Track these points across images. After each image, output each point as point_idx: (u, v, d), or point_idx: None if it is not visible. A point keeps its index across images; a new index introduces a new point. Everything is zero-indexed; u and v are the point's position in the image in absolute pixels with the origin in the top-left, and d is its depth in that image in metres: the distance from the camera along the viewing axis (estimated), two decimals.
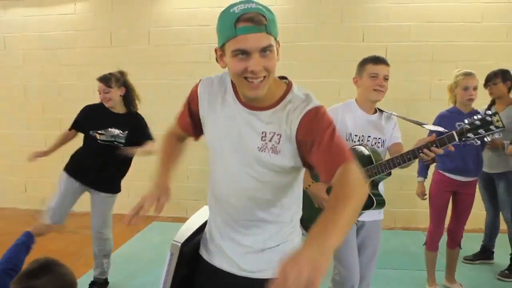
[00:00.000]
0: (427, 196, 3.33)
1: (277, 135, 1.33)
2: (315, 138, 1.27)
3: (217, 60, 1.34)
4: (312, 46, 4.88)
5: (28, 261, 1.45)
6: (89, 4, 5.28)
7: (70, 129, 3.39)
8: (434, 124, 3.06)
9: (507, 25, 4.66)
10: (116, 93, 3.19)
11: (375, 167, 2.21)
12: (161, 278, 1.53)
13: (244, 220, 1.43)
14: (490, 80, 3.54)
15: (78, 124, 3.35)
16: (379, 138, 2.39)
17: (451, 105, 3.25)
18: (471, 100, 3.07)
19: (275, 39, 1.27)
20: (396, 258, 3.97)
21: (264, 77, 1.26)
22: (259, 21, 1.20)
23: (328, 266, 0.91)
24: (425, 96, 4.80)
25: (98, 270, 3.40)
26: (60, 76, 5.40)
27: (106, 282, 3.44)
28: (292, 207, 1.47)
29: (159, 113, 5.26)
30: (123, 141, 3.20)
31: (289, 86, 1.39)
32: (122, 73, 3.27)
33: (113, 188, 3.36)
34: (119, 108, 3.26)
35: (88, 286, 3.34)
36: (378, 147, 2.37)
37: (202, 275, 1.57)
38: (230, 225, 1.46)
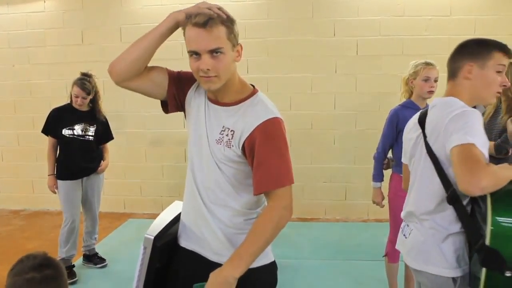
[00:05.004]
0: (386, 203, 3.01)
1: (231, 131, 1.45)
2: (260, 148, 1.40)
3: None
4: (283, 41, 4.91)
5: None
6: (58, 2, 5.20)
7: (47, 135, 3.62)
8: (390, 120, 2.87)
9: (474, 19, 4.76)
10: (89, 99, 3.58)
11: None
12: (135, 272, 1.55)
13: (214, 203, 1.51)
14: None
15: (51, 128, 3.59)
16: None
17: (403, 100, 2.95)
18: (432, 92, 2.76)
19: (234, 42, 1.41)
20: (368, 249, 4.06)
21: (216, 76, 1.38)
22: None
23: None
24: (395, 90, 4.86)
25: (89, 242, 3.77)
26: (31, 75, 5.32)
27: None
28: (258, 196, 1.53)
29: (133, 111, 5.27)
30: (92, 134, 3.62)
31: (255, 90, 1.52)
32: (92, 78, 3.60)
33: (100, 162, 3.75)
34: (84, 107, 3.62)
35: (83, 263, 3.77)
36: None
37: (180, 264, 1.62)
38: (201, 208, 1.52)
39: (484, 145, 1.48)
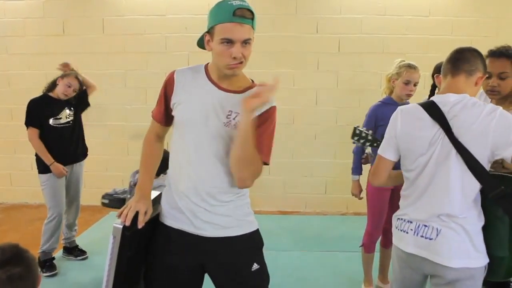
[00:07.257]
0: (363, 196, 3.11)
1: (238, 113, 1.65)
2: (262, 126, 1.67)
3: (202, 46, 1.68)
4: (267, 37, 4.93)
5: None
6: None
7: (34, 127, 3.49)
8: (369, 116, 2.97)
9: (452, 20, 4.88)
10: None
11: None
12: (106, 261, 1.58)
13: (208, 181, 1.69)
14: None
15: (35, 119, 3.49)
16: None
17: (384, 96, 3.05)
18: (410, 96, 2.89)
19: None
20: (346, 241, 4.16)
21: (241, 62, 1.60)
22: (249, 16, 1.58)
23: None
24: (376, 87, 4.97)
25: (70, 235, 3.78)
26: (10, 66, 5.22)
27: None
28: None
29: (114, 103, 5.24)
30: (73, 119, 3.64)
31: (254, 82, 1.75)
32: None
33: (86, 151, 3.85)
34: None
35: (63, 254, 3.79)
36: None
37: (163, 239, 1.76)
38: (193, 189, 1.69)
39: None
